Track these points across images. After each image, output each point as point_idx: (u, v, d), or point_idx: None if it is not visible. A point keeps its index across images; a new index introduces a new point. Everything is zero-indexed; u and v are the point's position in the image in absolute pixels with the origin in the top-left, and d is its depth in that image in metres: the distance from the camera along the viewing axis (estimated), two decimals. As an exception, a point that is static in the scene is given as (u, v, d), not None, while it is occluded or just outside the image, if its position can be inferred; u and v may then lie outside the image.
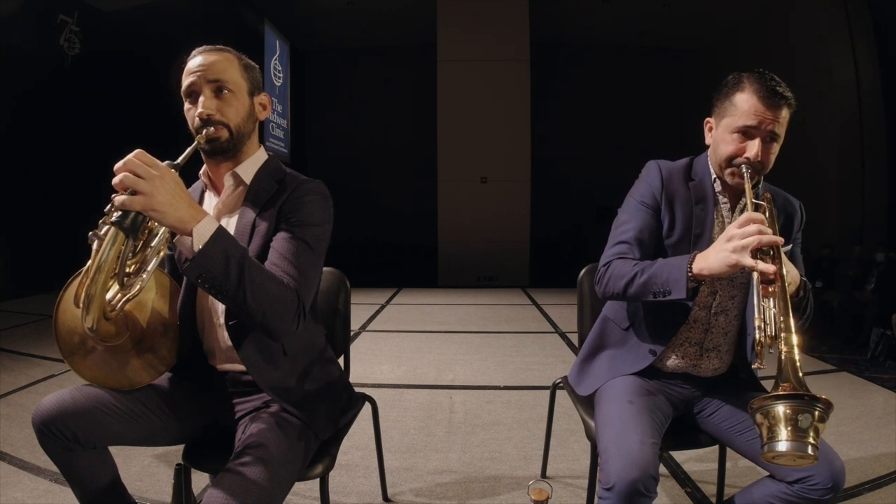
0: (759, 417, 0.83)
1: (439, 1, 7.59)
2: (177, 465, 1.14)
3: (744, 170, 1.08)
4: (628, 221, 1.20)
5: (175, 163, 0.88)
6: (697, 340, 1.22)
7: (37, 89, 5.62)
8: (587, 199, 9.50)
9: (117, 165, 0.81)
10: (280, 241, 1.00)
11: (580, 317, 1.60)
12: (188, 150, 0.95)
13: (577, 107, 9.92)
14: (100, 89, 6.48)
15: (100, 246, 0.80)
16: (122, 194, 0.80)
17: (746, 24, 8.06)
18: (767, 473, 1.08)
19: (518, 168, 7.63)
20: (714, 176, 1.20)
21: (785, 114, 1.08)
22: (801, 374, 0.83)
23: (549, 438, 1.80)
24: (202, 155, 1.08)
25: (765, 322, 0.90)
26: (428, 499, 1.68)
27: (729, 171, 1.13)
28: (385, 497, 1.67)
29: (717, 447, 1.50)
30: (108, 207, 0.81)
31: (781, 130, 1.09)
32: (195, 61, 1.03)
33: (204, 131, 1.00)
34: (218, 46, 1.06)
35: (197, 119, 1.01)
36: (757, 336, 0.89)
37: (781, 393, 0.81)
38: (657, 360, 1.23)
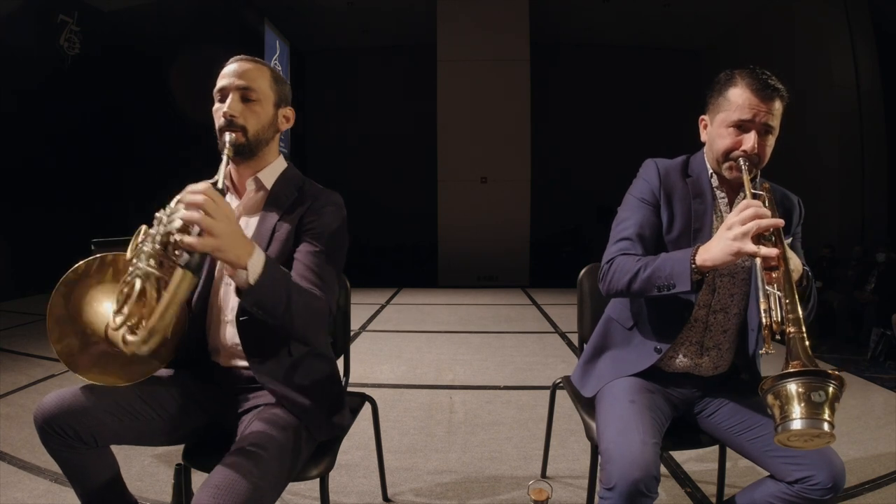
0: (770, 398, 0.81)
1: (439, 1, 7.58)
2: (177, 465, 1.14)
3: (741, 163, 1.09)
4: (629, 218, 1.20)
5: (218, 188, 0.90)
6: (697, 339, 1.22)
7: (37, 89, 5.62)
8: (587, 199, 9.49)
9: (186, 197, 0.83)
10: (306, 254, 1.07)
11: (580, 317, 1.60)
12: (221, 166, 0.97)
13: (577, 107, 9.90)
14: (100, 89, 6.48)
15: (171, 285, 0.82)
16: (184, 232, 0.82)
17: (746, 24, 8.06)
18: (768, 474, 1.08)
19: (518, 168, 7.62)
20: (711, 172, 1.21)
21: (778, 106, 1.10)
22: (810, 353, 0.82)
23: (549, 438, 1.80)
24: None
25: (770, 307, 0.88)
26: (428, 499, 1.68)
27: (726, 165, 1.13)
28: (385, 497, 1.67)
29: (717, 447, 1.49)
30: (158, 232, 0.85)
31: (776, 123, 1.10)
32: (230, 67, 1.11)
33: (227, 136, 1.05)
34: (255, 58, 1.14)
35: (221, 118, 1.07)
36: (763, 321, 0.88)
37: (792, 370, 0.79)
38: (658, 360, 1.22)
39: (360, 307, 5.17)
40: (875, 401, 2.65)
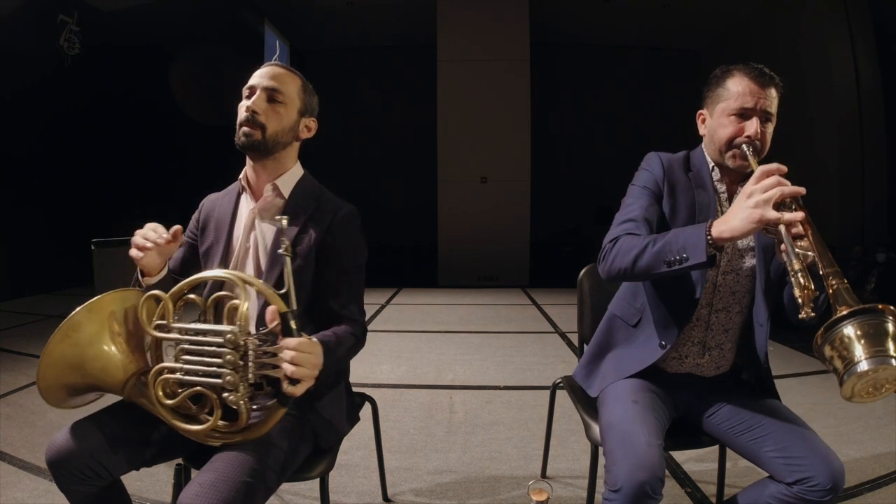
0: (827, 350, 0.76)
1: (439, 1, 7.58)
2: (177, 464, 1.14)
3: (745, 149, 1.09)
4: (633, 203, 1.19)
5: (289, 307, 0.92)
6: (699, 339, 1.22)
7: (36, 89, 5.62)
8: (587, 199, 9.49)
9: (291, 359, 0.88)
10: (339, 282, 1.14)
11: (580, 317, 1.60)
12: (286, 271, 0.95)
13: (577, 106, 9.91)
14: (100, 89, 6.48)
15: (271, 419, 0.93)
16: (283, 377, 0.89)
17: (746, 24, 8.06)
18: (767, 474, 1.08)
19: (518, 168, 7.62)
20: (711, 165, 1.21)
21: (774, 93, 1.12)
22: (856, 296, 0.77)
23: (549, 438, 1.80)
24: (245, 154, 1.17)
25: (800, 264, 0.84)
26: (428, 499, 1.68)
27: (730, 153, 1.14)
28: (385, 497, 1.67)
29: (717, 447, 1.50)
30: (251, 366, 0.91)
31: (774, 110, 1.12)
32: (263, 69, 1.16)
33: (241, 129, 1.11)
34: (289, 67, 1.18)
35: (244, 112, 1.11)
36: (798, 284, 0.83)
37: (844, 313, 0.75)
38: (660, 362, 1.22)
39: (360, 307, 5.15)
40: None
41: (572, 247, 9.30)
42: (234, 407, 0.90)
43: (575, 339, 3.27)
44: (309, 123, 1.20)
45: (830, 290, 0.79)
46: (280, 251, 0.95)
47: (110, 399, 1.04)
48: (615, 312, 1.32)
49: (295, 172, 1.20)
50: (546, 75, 9.06)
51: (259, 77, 1.14)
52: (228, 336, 0.90)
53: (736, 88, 1.11)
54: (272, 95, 1.12)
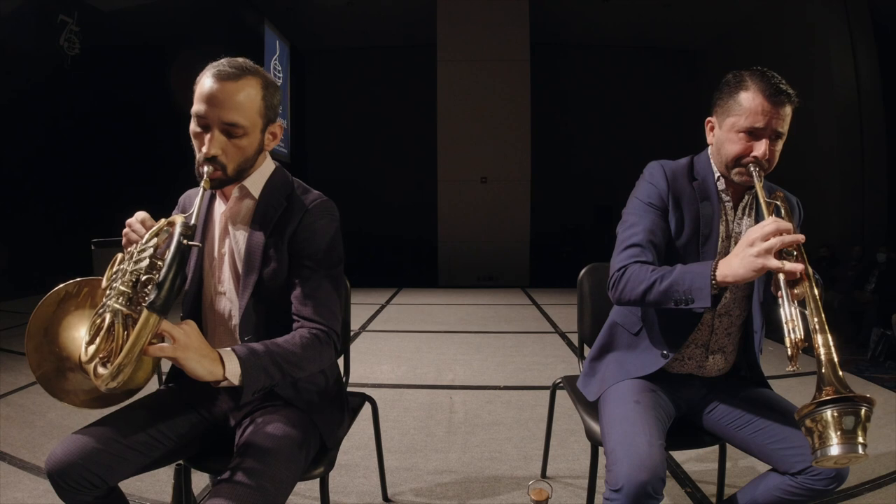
0: (808, 423, 0.84)
1: (439, 1, 7.59)
2: (177, 464, 1.13)
3: (752, 169, 1.07)
4: (637, 224, 1.16)
5: (189, 223, 0.88)
6: (703, 343, 1.22)
7: (36, 89, 5.62)
8: (587, 199, 9.51)
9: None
10: (305, 279, 1.04)
11: (580, 317, 1.60)
12: (197, 200, 0.93)
13: (577, 107, 9.92)
14: (99, 89, 6.48)
15: (138, 326, 0.81)
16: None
17: (746, 24, 8.06)
18: (769, 468, 1.09)
19: (518, 168, 7.63)
20: (717, 175, 1.19)
21: (788, 111, 1.08)
22: (841, 374, 0.84)
23: (549, 438, 1.80)
24: None
25: (793, 323, 0.89)
26: (428, 499, 1.68)
27: (736, 170, 1.12)
28: (385, 497, 1.67)
29: (717, 447, 1.50)
30: (128, 270, 0.87)
31: (785, 128, 1.09)
32: (213, 89, 0.95)
33: (205, 172, 0.97)
34: (241, 66, 0.98)
35: (200, 154, 0.97)
36: (790, 338, 0.89)
37: (826, 398, 0.82)
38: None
39: (360, 307, 5.17)
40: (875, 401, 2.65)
41: (572, 247, 9.30)
42: (108, 314, 0.86)
43: (575, 339, 3.27)
44: (274, 130, 1.05)
45: (818, 356, 0.86)
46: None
47: (108, 410, 1.05)
48: (616, 320, 1.31)
49: (264, 170, 1.09)
50: (546, 75, 9.07)
51: (210, 105, 0.95)
52: (129, 250, 0.90)
53: (748, 105, 1.07)
54: (230, 131, 0.96)
